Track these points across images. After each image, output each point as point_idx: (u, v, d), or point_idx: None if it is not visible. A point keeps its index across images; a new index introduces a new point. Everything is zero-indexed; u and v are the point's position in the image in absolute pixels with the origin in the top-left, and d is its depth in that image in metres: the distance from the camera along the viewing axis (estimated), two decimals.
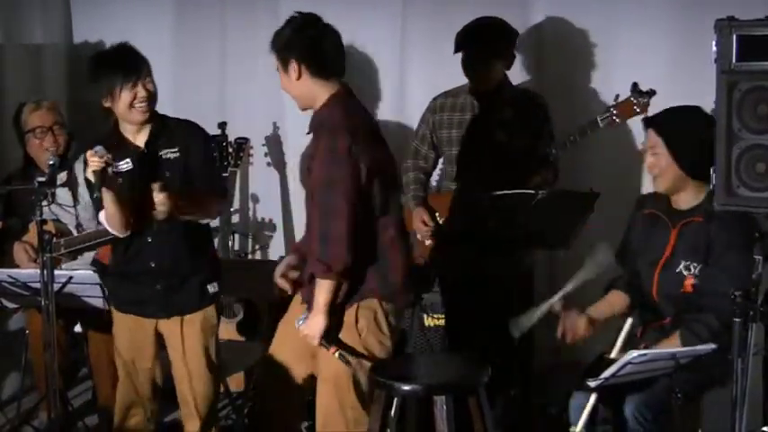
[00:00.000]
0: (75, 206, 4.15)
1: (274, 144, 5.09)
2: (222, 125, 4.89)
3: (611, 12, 4.33)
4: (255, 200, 5.16)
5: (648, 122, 3.31)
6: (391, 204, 3.28)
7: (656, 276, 3.27)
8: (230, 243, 4.96)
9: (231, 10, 5.08)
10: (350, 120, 3.19)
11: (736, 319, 2.55)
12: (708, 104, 2.92)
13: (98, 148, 3.30)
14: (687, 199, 3.26)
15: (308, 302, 3.27)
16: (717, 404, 3.17)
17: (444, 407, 3.11)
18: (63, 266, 4.04)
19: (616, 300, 3.44)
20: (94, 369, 4.35)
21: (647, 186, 4.29)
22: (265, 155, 5.09)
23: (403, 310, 3.42)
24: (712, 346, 2.93)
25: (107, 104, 3.43)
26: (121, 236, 3.47)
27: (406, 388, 3.13)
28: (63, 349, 4.13)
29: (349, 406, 3.29)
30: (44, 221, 3.18)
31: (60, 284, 3.36)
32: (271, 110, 5.03)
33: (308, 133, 3.29)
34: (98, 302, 3.58)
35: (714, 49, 2.52)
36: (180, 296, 3.53)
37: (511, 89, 4.12)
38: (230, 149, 4.88)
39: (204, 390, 3.59)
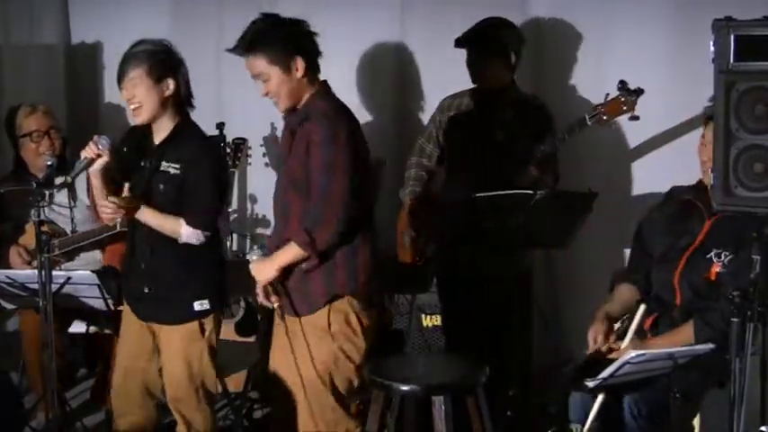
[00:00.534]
0: (71, 208, 4.15)
1: (272, 144, 5.08)
2: (220, 126, 4.88)
3: (610, 12, 4.32)
4: (253, 200, 5.15)
5: (710, 117, 3.31)
6: (364, 199, 3.31)
7: (683, 260, 3.30)
8: (228, 243, 4.96)
9: (228, 10, 5.06)
10: (344, 109, 3.30)
11: (734, 319, 2.55)
12: (705, 104, 2.92)
13: (104, 140, 3.30)
14: None
15: (270, 251, 3.32)
16: (715, 404, 3.17)
17: (443, 407, 3.11)
18: (62, 267, 4.05)
19: (626, 294, 3.47)
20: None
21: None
22: (263, 155, 5.09)
23: (373, 309, 3.41)
24: (711, 346, 2.95)
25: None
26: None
27: (405, 388, 3.13)
28: (59, 350, 4.11)
29: (329, 407, 3.31)
30: (42, 222, 3.18)
31: (59, 285, 3.36)
32: (268, 110, 4.94)
33: (300, 124, 3.27)
34: (97, 303, 3.58)
35: (712, 49, 2.52)
36: (162, 305, 3.47)
37: (516, 93, 4.12)
38: (228, 150, 4.88)
39: (187, 400, 3.50)
